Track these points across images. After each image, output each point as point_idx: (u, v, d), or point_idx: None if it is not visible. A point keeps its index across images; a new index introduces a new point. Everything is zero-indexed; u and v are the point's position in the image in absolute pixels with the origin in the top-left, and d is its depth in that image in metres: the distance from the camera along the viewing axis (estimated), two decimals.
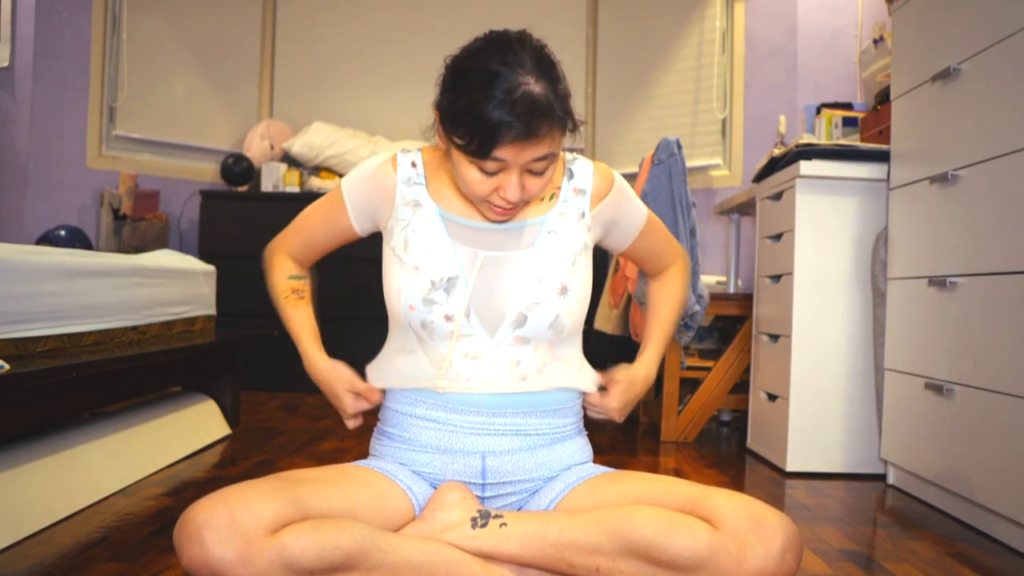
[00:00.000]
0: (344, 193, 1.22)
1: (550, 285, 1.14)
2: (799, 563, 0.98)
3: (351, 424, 1.27)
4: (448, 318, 1.13)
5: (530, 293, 1.13)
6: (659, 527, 0.97)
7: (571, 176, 1.23)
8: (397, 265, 1.16)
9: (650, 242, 1.33)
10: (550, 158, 1.07)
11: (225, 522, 0.89)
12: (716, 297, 2.82)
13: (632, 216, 1.29)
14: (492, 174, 1.06)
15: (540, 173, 1.08)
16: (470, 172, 1.07)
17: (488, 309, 1.14)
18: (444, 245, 1.15)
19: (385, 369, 1.22)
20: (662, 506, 1.02)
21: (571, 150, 1.29)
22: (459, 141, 1.04)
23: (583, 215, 1.21)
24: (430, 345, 1.15)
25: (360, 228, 1.24)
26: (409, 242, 1.16)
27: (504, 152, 1.03)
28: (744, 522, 0.96)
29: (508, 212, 1.12)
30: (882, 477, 2.27)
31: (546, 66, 1.05)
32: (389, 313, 1.20)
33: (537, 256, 1.15)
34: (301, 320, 1.29)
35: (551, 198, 1.20)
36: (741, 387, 2.84)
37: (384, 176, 1.20)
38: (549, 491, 1.17)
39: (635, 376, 1.27)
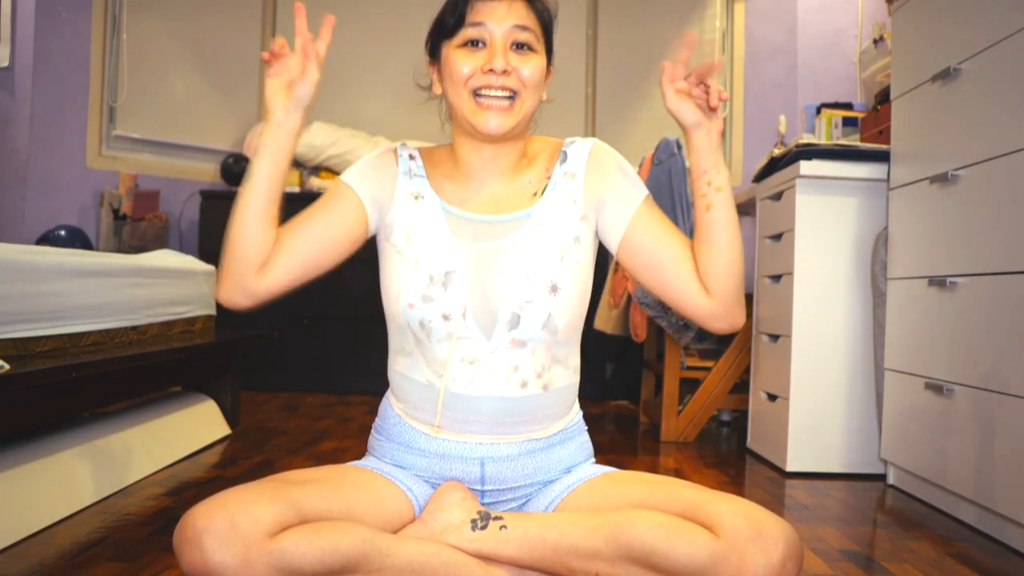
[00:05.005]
0: (349, 183, 1.17)
1: (539, 283, 1.11)
2: (799, 571, 0.97)
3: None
4: (446, 317, 1.10)
5: (520, 291, 1.11)
6: (659, 534, 0.96)
7: (564, 159, 1.18)
8: (397, 261, 1.14)
9: (655, 224, 1.17)
10: (531, 33, 1.11)
11: (224, 527, 0.89)
12: None
13: (624, 192, 1.16)
14: (475, 45, 1.10)
15: (524, 48, 1.11)
16: (457, 58, 1.10)
17: (482, 308, 1.11)
18: (444, 238, 1.13)
19: (393, 379, 1.21)
20: (662, 511, 1.00)
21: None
22: (442, 28, 1.13)
23: (574, 202, 1.16)
24: (427, 347, 1.13)
25: (372, 217, 1.16)
26: (412, 234, 1.14)
27: (480, 11, 1.09)
28: (745, 530, 0.94)
29: (505, 110, 1.10)
30: (882, 477, 2.27)
31: None
32: (387, 316, 1.18)
33: (525, 251, 1.12)
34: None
35: (543, 191, 1.17)
36: (741, 387, 2.84)
37: (386, 164, 1.19)
38: (548, 492, 1.16)
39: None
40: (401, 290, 1.13)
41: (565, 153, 1.19)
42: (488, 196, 1.17)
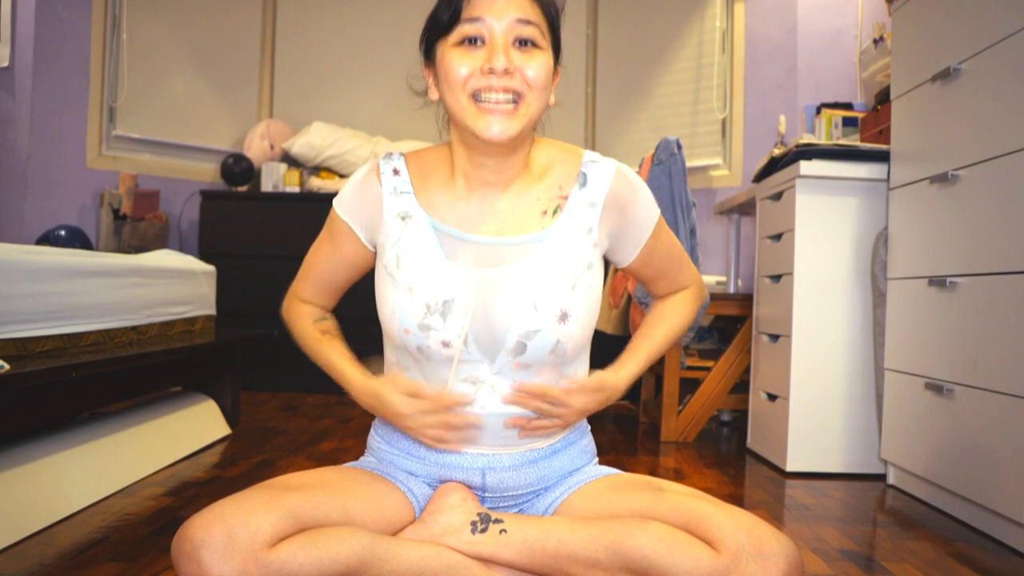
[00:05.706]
0: (342, 215, 1.14)
1: (548, 312, 1.05)
2: None
3: (450, 439, 1.08)
4: (445, 344, 1.06)
5: (527, 321, 1.04)
6: (660, 548, 0.95)
7: (584, 183, 1.10)
8: (390, 285, 1.09)
9: (659, 252, 1.18)
10: (536, 28, 1.02)
11: (222, 540, 0.88)
12: (716, 297, 2.82)
13: (640, 223, 1.15)
14: (473, 43, 1.02)
15: (527, 45, 1.02)
16: (453, 58, 1.01)
17: (485, 335, 1.06)
18: (438, 263, 1.07)
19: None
20: (664, 521, 0.99)
21: None
22: (436, 25, 1.04)
23: (590, 230, 1.10)
24: (427, 367, 1.09)
25: (368, 240, 1.15)
26: (401, 259, 1.08)
27: (477, 4, 1.01)
28: (746, 548, 0.93)
29: (509, 113, 1.01)
30: (882, 477, 2.27)
31: None
32: (384, 331, 1.14)
33: (533, 279, 1.06)
34: (338, 349, 1.17)
35: (555, 212, 1.09)
36: (741, 387, 2.84)
37: (370, 187, 1.12)
38: (549, 494, 1.15)
39: (605, 382, 1.11)
40: (395, 314, 1.07)
41: (585, 176, 1.11)
42: (490, 214, 1.09)
